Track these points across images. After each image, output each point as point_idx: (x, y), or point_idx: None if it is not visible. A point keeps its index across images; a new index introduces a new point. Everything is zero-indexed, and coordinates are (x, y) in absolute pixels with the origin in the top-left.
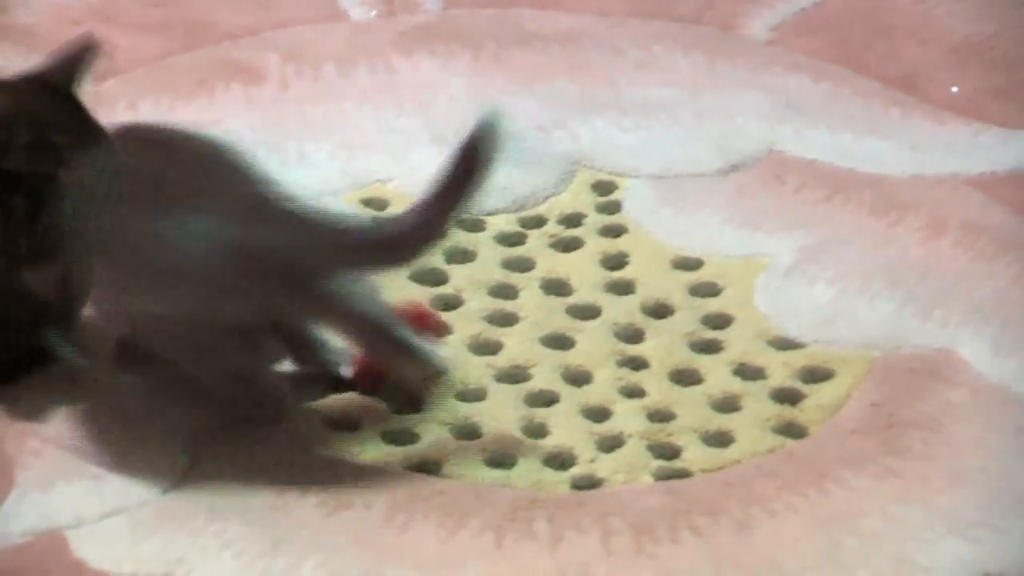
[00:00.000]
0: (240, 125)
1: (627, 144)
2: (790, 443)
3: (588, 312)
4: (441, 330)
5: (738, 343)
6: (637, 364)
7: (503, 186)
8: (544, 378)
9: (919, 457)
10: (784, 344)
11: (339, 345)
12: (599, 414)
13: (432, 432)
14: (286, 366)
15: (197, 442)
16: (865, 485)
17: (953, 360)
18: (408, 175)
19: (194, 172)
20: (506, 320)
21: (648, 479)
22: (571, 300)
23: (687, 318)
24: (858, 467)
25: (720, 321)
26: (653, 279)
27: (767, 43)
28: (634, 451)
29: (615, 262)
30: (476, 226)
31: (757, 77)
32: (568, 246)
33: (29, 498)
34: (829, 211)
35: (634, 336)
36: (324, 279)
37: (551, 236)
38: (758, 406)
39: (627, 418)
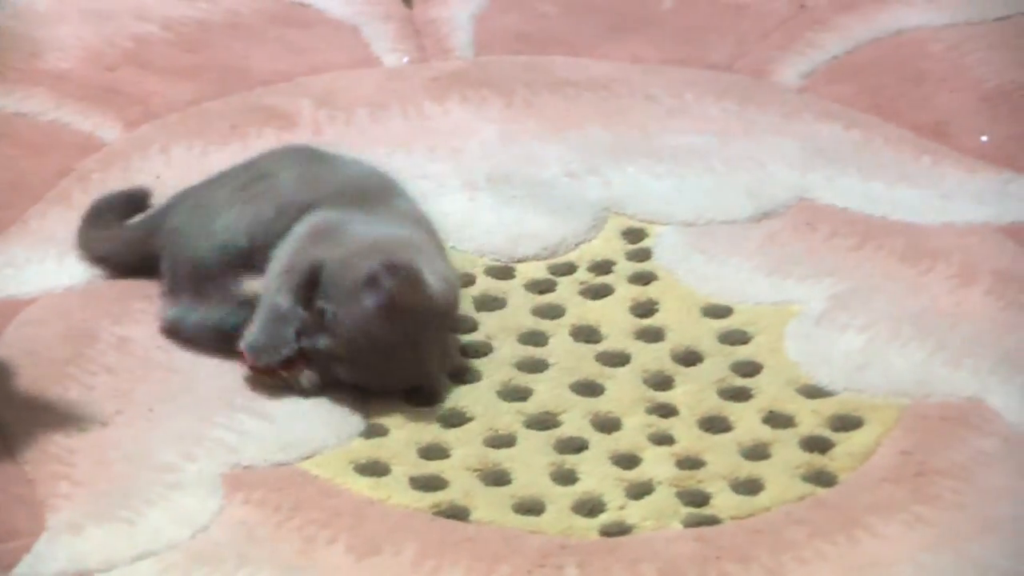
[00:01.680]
0: None
1: (659, 191)
2: (820, 491)
3: (618, 359)
4: None
5: (768, 390)
6: (667, 411)
7: (534, 233)
8: (574, 424)
9: (949, 506)
10: (814, 392)
11: None
12: (629, 461)
13: (461, 478)
14: None
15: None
16: (895, 533)
17: (983, 409)
18: (439, 220)
19: None
20: (536, 367)
21: (678, 526)
22: (601, 347)
23: (717, 365)
24: (888, 515)
25: (750, 368)
26: (683, 326)
27: (798, 91)
28: (664, 498)
29: (645, 309)
30: (506, 273)
31: (788, 125)
32: (598, 293)
33: (59, 541)
34: (860, 259)
35: (664, 383)
36: None
37: (581, 283)
38: (788, 453)
39: (657, 465)
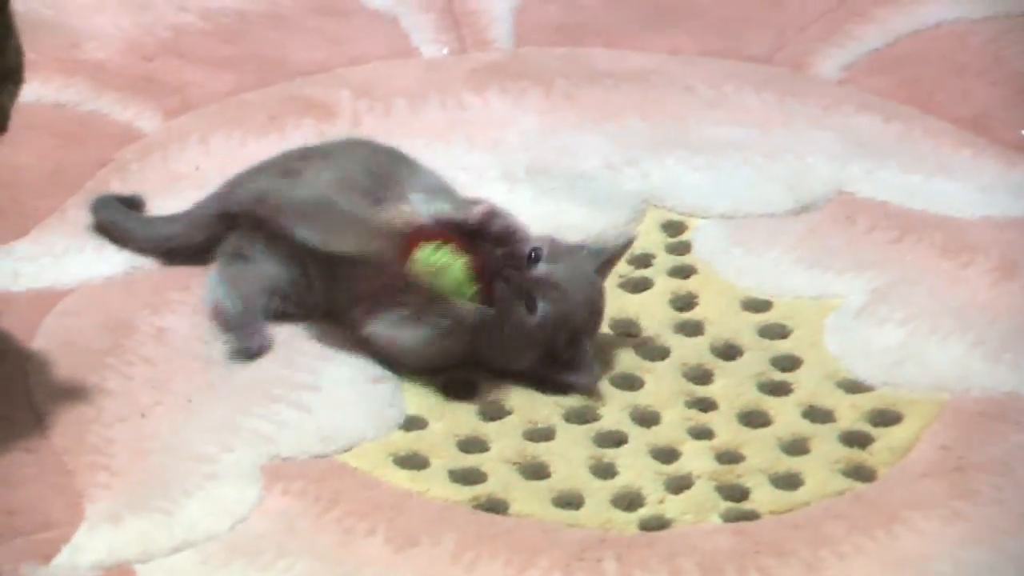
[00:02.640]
0: None
1: (697, 183)
2: (859, 486)
3: (657, 352)
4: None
5: (807, 385)
6: (706, 405)
7: (573, 225)
8: (613, 418)
9: (988, 501)
10: (853, 386)
11: None
12: (668, 454)
13: (500, 471)
14: None
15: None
16: (934, 528)
17: (1022, 404)
18: None
19: None
20: None
21: (716, 520)
22: (640, 340)
23: (756, 359)
24: (927, 510)
25: (789, 363)
26: (722, 320)
27: (838, 83)
28: (703, 492)
29: (684, 302)
30: None
31: (828, 117)
32: (638, 286)
33: (98, 531)
34: (899, 252)
35: (703, 377)
36: None
37: (621, 276)
38: (827, 448)
39: (696, 459)
